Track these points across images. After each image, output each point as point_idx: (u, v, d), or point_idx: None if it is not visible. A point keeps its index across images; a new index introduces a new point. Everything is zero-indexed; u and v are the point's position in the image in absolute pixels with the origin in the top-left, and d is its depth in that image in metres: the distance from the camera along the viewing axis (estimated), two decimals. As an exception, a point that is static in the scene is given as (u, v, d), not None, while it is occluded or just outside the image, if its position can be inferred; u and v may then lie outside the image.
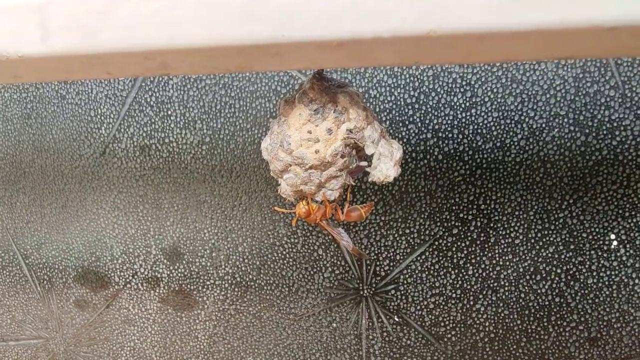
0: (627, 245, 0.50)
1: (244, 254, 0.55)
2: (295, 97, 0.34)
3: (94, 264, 0.59)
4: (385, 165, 0.36)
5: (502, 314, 0.52)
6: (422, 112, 0.50)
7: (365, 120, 0.35)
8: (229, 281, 0.56)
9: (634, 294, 0.50)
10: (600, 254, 0.50)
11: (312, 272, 0.54)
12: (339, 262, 0.54)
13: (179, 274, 0.57)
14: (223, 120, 0.52)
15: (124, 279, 0.59)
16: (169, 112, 0.53)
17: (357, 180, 0.50)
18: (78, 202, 0.58)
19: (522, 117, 0.49)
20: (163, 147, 0.54)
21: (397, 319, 0.54)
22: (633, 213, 0.49)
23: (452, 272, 0.52)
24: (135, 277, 0.58)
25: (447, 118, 0.50)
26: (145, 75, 0.32)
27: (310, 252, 0.54)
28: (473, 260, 0.52)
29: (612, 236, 0.50)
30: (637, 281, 0.50)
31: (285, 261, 0.55)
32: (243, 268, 0.55)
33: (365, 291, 0.54)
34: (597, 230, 0.50)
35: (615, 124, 0.48)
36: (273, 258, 0.55)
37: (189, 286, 0.57)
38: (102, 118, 0.55)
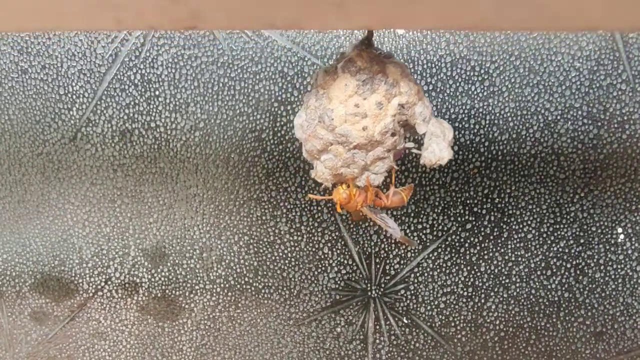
0: (633, 239, 0.45)
1: (240, 254, 0.44)
2: (338, 66, 0.26)
3: (56, 268, 0.45)
4: (438, 145, 0.28)
5: (513, 312, 0.46)
6: (439, 100, 0.42)
7: (416, 95, 0.27)
8: (222, 285, 0.45)
9: (638, 287, 0.46)
10: (607, 247, 0.45)
11: (316, 273, 0.45)
12: (345, 261, 0.44)
13: (163, 278, 0.45)
14: (220, 103, 0.42)
15: (94, 286, 0.46)
16: (157, 93, 0.42)
17: (398, 163, 0.41)
18: (39, 195, 0.44)
19: (538, 109, 0.43)
20: (148, 132, 0.42)
21: (406, 321, 0.45)
22: (636, 207, 0.45)
23: (465, 269, 0.45)
24: (109, 283, 0.45)
25: (464, 107, 0.43)
26: (166, 28, 0.22)
27: (315, 251, 0.44)
28: (485, 257, 0.45)
29: (619, 230, 0.45)
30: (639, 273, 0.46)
31: (286, 261, 0.45)
32: (238, 270, 0.45)
33: (374, 292, 0.45)
34: (605, 224, 0.45)
35: (625, 118, 0.43)
36: (273, 258, 0.44)
37: (174, 292, 0.45)
38: (74, 97, 0.42)
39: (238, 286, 0.46)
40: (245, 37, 0.42)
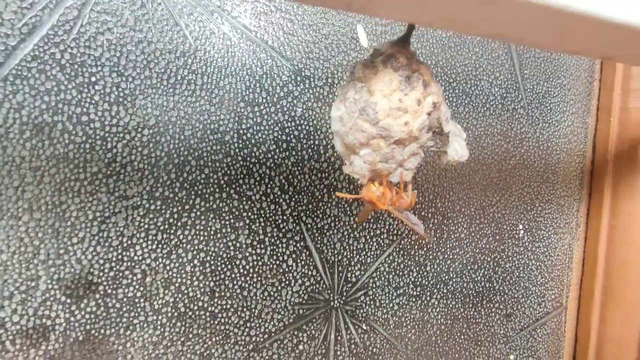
0: (529, 233, 0.46)
1: (194, 275, 0.32)
2: (377, 60, 0.23)
3: None
4: (460, 144, 0.24)
5: (450, 305, 0.42)
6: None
7: (442, 96, 0.23)
8: (169, 314, 0.31)
9: (532, 272, 0.47)
10: (513, 241, 0.45)
11: (279, 288, 0.34)
12: (310, 272, 0.35)
13: (87, 315, 0.29)
14: (177, 98, 0.30)
15: (-20, 338, 0.27)
16: (94, 79, 0.28)
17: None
18: None
19: (469, 125, 0.42)
20: (77, 127, 0.28)
21: (365, 327, 0.38)
22: (531, 207, 0.46)
23: (414, 270, 0.40)
24: (1, 331, 0.27)
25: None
26: None
27: (279, 264, 0.34)
28: (431, 257, 0.41)
29: (520, 226, 0.46)
30: (533, 261, 0.47)
31: (248, 277, 0.33)
32: (191, 293, 0.32)
33: (336, 302, 0.37)
34: (511, 222, 0.45)
35: (523, 136, 0.45)
36: (232, 275, 0.33)
37: (102, 331, 0.29)
38: (-39, 74, 0.26)
39: (190, 313, 0.32)
40: (211, 26, 0.31)
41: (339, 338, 0.39)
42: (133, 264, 0.31)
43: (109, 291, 0.31)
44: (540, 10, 0.18)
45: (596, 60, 0.49)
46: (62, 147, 0.29)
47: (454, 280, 0.44)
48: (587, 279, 0.50)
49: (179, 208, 0.32)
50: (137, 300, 0.31)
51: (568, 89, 0.48)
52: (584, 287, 0.50)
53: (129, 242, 0.31)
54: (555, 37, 0.21)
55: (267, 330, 0.36)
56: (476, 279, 0.45)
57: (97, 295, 0.30)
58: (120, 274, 0.31)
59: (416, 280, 0.42)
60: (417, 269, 0.42)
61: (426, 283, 0.42)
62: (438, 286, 0.43)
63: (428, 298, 0.42)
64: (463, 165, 0.42)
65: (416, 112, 0.22)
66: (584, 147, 0.50)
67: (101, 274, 0.30)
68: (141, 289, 0.32)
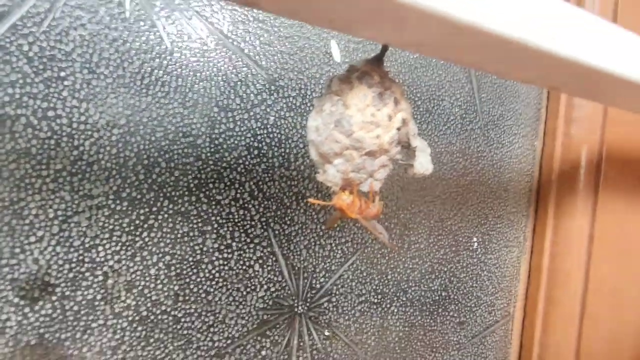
0: (482, 246, 0.49)
1: (158, 278, 0.31)
2: (353, 76, 0.24)
3: None
4: (425, 159, 0.26)
5: (409, 312, 0.44)
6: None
7: (411, 114, 0.25)
8: (130, 318, 0.31)
9: (483, 282, 0.50)
10: (468, 253, 0.48)
11: (244, 293, 0.35)
12: (275, 278, 0.36)
13: (41, 319, 0.28)
14: (150, 99, 0.30)
15: None
16: (63, 75, 0.27)
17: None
18: None
19: (431, 142, 0.45)
20: (42, 122, 0.27)
21: (327, 334, 0.39)
22: (485, 221, 0.50)
23: (376, 278, 0.42)
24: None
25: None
26: None
27: (245, 269, 0.35)
28: (392, 265, 0.43)
29: (475, 239, 0.49)
30: (485, 272, 0.50)
31: (213, 282, 0.33)
32: (154, 297, 0.31)
33: (300, 308, 0.37)
34: (466, 234, 0.48)
35: (479, 154, 0.48)
36: (197, 279, 0.33)
37: (57, 335, 0.29)
38: None
39: (152, 317, 0.32)
40: (189, 29, 0.32)
41: (301, 344, 0.39)
42: (95, 265, 0.30)
43: (67, 293, 0.30)
44: (497, 41, 0.20)
45: (544, 89, 0.54)
46: (25, 142, 0.28)
47: (412, 288, 0.46)
48: (532, 290, 0.54)
49: (146, 210, 0.32)
50: (96, 303, 0.31)
51: (519, 113, 0.52)
52: (529, 297, 0.54)
53: (92, 242, 0.30)
54: (510, 66, 0.23)
55: (230, 335, 0.36)
56: (433, 288, 0.47)
57: (54, 298, 0.29)
58: (80, 276, 0.30)
59: (377, 288, 0.43)
60: (379, 277, 0.43)
61: (387, 291, 0.44)
62: (398, 294, 0.45)
63: (388, 305, 0.44)
64: (425, 179, 0.45)
65: (387, 127, 0.24)
66: (532, 168, 0.54)
67: (59, 275, 0.29)
68: (102, 291, 0.31)
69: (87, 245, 0.30)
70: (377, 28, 0.19)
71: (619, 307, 0.52)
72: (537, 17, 0.20)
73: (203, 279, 0.34)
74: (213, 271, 0.35)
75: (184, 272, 0.34)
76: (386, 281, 0.44)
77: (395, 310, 0.45)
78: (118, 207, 0.31)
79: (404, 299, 0.45)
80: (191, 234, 0.34)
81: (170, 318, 0.33)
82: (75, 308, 0.30)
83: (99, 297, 0.31)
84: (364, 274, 0.42)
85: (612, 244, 0.52)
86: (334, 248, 0.40)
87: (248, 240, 0.36)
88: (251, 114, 0.35)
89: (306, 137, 0.24)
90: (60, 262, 0.29)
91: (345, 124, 0.23)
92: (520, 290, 0.55)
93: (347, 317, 0.42)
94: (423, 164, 0.27)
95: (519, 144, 0.53)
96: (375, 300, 0.43)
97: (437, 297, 0.48)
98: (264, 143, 0.36)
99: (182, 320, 0.34)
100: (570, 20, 0.21)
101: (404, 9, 0.18)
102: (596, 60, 0.22)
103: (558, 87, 0.28)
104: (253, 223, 0.36)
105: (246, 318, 0.36)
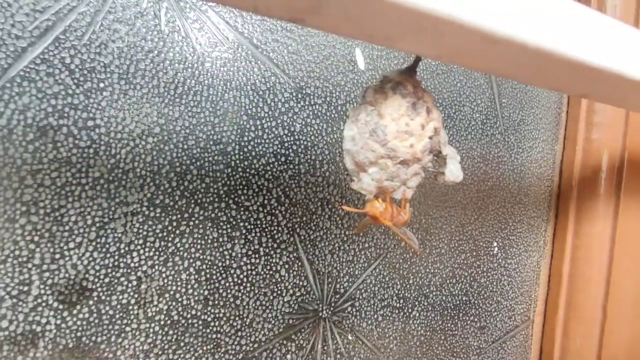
0: (502, 251, 0.50)
1: (189, 283, 0.32)
2: (387, 87, 0.25)
3: None
4: (455, 166, 0.27)
5: (430, 317, 0.44)
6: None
7: (441, 122, 0.26)
8: (162, 322, 0.31)
9: (503, 287, 0.50)
10: (488, 258, 0.48)
11: (271, 298, 0.36)
12: (301, 283, 0.37)
13: (79, 322, 0.29)
14: (183, 108, 0.31)
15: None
16: (102, 85, 0.28)
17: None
18: None
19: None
20: (82, 132, 0.28)
21: (350, 338, 0.39)
22: (505, 226, 0.50)
23: (398, 282, 0.42)
24: (-5, 336, 0.27)
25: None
26: (266, 14, 0.14)
27: (272, 274, 0.35)
28: (414, 270, 0.43)
29: (495, 244, 0.49)
30: (505, 277, 0.50)
31: (241, 287, 0.34)
32: (185, 301, 0.32)
33: (324, 312, 0.38)
34: (487, 239, 0.48)
35: (499, 159, 0.48)
36: (226, 284, 0.34)
37: (93, 338, 0.29)
38: (-33, 73, 0.26)
39: (183, 321, 0.33)
40: (220, 40, 0.33)
41: (325, 348, 0.40)
42: (129, 270, 0.31)
43: (103, 298, 0.31)
44: (532, 52, 0.20)
45: (564, 94, 0.54)
46: (66, 151, 0.29)
47: (434, 293, 0.46)
48: (553, 295, 0.54)
49: (178, 216, 0.33)
50: (130, 307, 0.31)
51: (540, 118, 0.53)
52: (549, 302, 0.54)
53: (127, 248, 0.31)
54: (543, 76, 0.24)
55: (257, 339, 0.36)
56: (454, 293, 0.47)
57: (91, 302, 0.30)
58: (116, 281, 0.31)
59: (399, 292, 0.44)
60: (401, 282, 0.44)
61: (409, 296, 0.44)
62: (419, 299, 0.45)
63: (410, 310, 0.44)
64: (447, 184, 0.45)
65: (420, 136, 0.24)
66: (552, 172, 0.54)
67: (96, 280, 0.30)
68: (135, 296, 0.32)
69: (122, 251, 0.31)
70: (415, 41, 0.20)
71: (641, 312, 0.52)
72: (571, 27, 0.21)
73: (232, 283, 0.35)
74: (241, 276, 0.35)
75: (214, 277, 0.34)
76: (408, 286, 0.44)
77: (417, 315, 0.45)
78: (152, 214, 0.32)
79: (425, 303, 0.45)
80: (220, 239, 0.34)
81: (200, 322, 0.34)
82: (111, 312, 0.31)
83: (132, 301, 0.32)
84: (387, 279, 0.43)
85: (634, 249, 0.52)
86: (358, 253, 0.41)
87: (275, 245, 0.37)
88: (278, 121, 0.36)
89: (341, 146, 0.25)
90: (97, 267, 0.30)
91: (380, 133, 0.23)
92: (541, 295, 0.55)
93: (369, 322, 0.42)
94: (453, 171, 0.27)
95: (539, 149, 0.53)
96: (398, 305, 0.44)
97: (457, 302, 0.48)
98: (290, 150, 0.37)
99: (212, 324, 0.34)
100: (601, 29, 0.22)
101: (443, 24, 0.18)
102: (624, 67, 0.23)
103: (588, 95, 0.28)
104: (280, 228, 0.37)
105: (272, 322, 0.37)
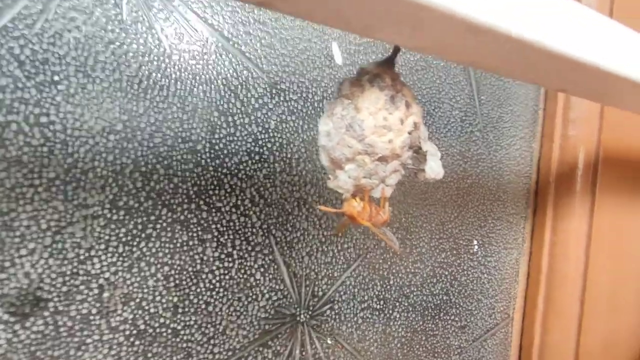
0: (482, 249, 0.49)
1: (157, 290, 0.30)
2: (364, 79, 0.24)
3: None
4: (435, 163, 0.26)
5: (411, 318, 0.44)
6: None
7: (421, 117, 0.25)
8: (127, 332, 0.29)
9: (483, 285, 0.50)
10: (468, 256, 0.48)
11: (246, 303, 0.34)
12: (277, 287, 0.35)
13: (33, 335, 0.27)
14: (148, 103, 0.29)
15: None
16: (57, 79, 0.26)
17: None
18: None
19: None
20: (34, 129, 0.26)
21: (329, 342, 0.38)
22: (485, 224, 0.50)
23: (378, 283, 0.41)
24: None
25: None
26: None
27: (247, 278, 0.34)
28: (394, 270, 0.42)
29: (475, 242, 0.49)
30: (485, 275, 0.50)
31: (213, 292, 0.33)
32: (152, 310, 0.30)
33: (302, 316, 0.37)
34: (467, 237, 0.48)
35: (478, 157, 0.48)
36: (197, 290, 0.32)
37: (50, 352, 0.27)
38: None
39: (150, 331, 0.31)
40: (188, 31, 0.31)
41: (303, 353, 0.38)
42: (90, 278, 0.29)
43: (60, 308, 0.28)
44: (514, 43, 0.19)
45: (541, 90, 0.54)
46: (15, 150, 0.26)
47: (414, 293, 0.45)
48: (531, 291, 0.54)
49: (144, 219, 0.31)
50: (92, 317, 0.29)
51: (517, 115, 0.53)
52: (528, 298, 0.54)
53: (87, 254, 0.29)
54: (524, 68, 0.23)
55: (231, 347, 0.35)
56: (435, 292, 0.47)
57: (46, 313, 0.28)
58: (75, 289, 0.29)
59: (380, 294, 0.43)
60: (381, 282, 0.43)
61: (389, 297, 0.43)
62: (400, 299, 0.44)
63: (390, 311, 0.44)
64: (426, 182, 0.44)
65: (399, 131, 0.23)
66: (529, 170, 0.54)
67: (52, 289, 0.28)
68: (97, 305, 0.29)
69: (81, 257, 0.29)
70: (394, 30, 0.18)
71: (617, 307, 0.53)
72: (551, 17, 0.20)
73: (203, 289, 0.33)
74: (213, 281, 0.34)
75: (184, 282, 0.32)
76: (388, 287, 0.43)
77: (398, 316, 0.44)
78: (114, 217, 0.30)
79: (406, 304, 0.45)
80: (191, 243, 0.32)
81: (169, 331, 0.32)
82: (69, 323, 0.29)
83: (94, 311, 0.29)
84: (366, 280, 0.42)
85: (610, 245, 0.52)
86: (336, 254, 0.39)
87: (249, 248, 0.35)
88: (252, 118, 0.34)
89: (317, 142, 0.23)
90: (53, 275, 0.28)
91: (357, 128, 0.22)
92: (520, 292, 0.55)
93: (349, 325, 0.41)
94: (434, 168, 0.26)
95: (517, 146, 0.53)
96: (378, 307, 0.43)
97: (438, 302, 0.47)
98: (265, 148, 0.35)
99: (182, 332, 0.33)
100: (580, 20, 0.21)
101: (424, 11, 0.17)
102: (604, 60, 0.22)
103: (565, 88, 0.27)
104: (254, 230, 0.35)
105: (247, 328, 0.35)
